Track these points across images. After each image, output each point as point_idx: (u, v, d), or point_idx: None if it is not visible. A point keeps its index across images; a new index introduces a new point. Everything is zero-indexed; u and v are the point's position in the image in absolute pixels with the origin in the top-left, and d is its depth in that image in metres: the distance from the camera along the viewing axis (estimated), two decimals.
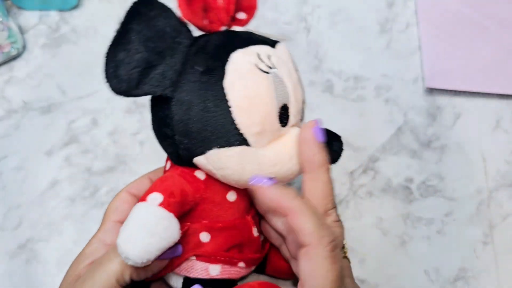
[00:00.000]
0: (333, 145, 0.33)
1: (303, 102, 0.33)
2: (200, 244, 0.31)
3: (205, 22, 0.31)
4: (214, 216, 0.32)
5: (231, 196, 0.32)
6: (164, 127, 0.31)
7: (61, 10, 0.51)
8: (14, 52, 0.48)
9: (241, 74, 0.29)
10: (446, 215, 0.45)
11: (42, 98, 0.47)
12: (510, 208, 0.45)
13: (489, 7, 0.51)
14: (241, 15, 0.33)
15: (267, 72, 0.29)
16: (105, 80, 0.29)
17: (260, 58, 0.30)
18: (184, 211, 0.30)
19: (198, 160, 0.30)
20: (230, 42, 0.30)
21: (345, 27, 0.51)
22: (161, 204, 0.28)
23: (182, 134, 0.30)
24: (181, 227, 0.29)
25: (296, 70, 0.33)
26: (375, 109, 0.48)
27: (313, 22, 0.51)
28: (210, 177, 0.31)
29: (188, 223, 0.31)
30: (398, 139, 0.47)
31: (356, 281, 0.44)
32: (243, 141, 0.29)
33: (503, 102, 0.48)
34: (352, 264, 0.43)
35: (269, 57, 0.30)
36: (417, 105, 0.48)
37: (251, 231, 0.33)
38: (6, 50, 0.47)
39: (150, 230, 0.27)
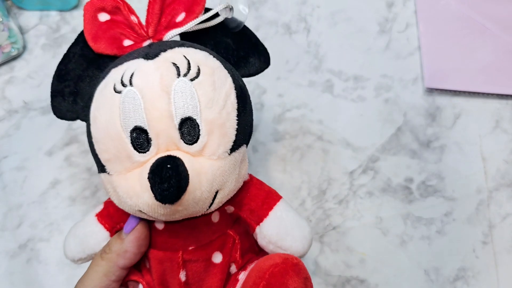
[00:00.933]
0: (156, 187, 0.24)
1: (189, 119, 0.25)
2: (145, 271, 0.30)
3: (127, 44, 0.29)
4: (152, 242, 0.30)
5: (159, 224, 0.29)
6: None
7: (61, 10, 0.51)
8: (14, 52, 0.48)
9: (95, 97, 0.27)
10: (446, 215, 0.45)
11: (43, 98, 0.47)
12: (509, 208, 0.45)
13: (489, 7, 0.51)
14: (181, 17, 0.29)
15: (120, 92, 0.26)
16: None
17: (122, 76, 0.26)
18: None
19: None
20: (115, 62, 0.28)
21: (345, 27, 0.51)
22: (97, 215, 0.31)
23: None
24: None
25: (194, 79, 0.26)
26: (375, 109, 0.48)
27: (313, 22, 0.51)
28: None
29: None
30: (398, 139, 0.47)
31: (356, 281, 0.44)
32: (102, 168, 0.27)
33: (503, 102, 0.48)
34: (352, 264, 0.43)
35: (132, 73, 0.26)
36: (417, 105, 0.48)
37: (178, 273, 0.29)
38: (6, 50, 0.47)
39: (75, 233, 0.31)
